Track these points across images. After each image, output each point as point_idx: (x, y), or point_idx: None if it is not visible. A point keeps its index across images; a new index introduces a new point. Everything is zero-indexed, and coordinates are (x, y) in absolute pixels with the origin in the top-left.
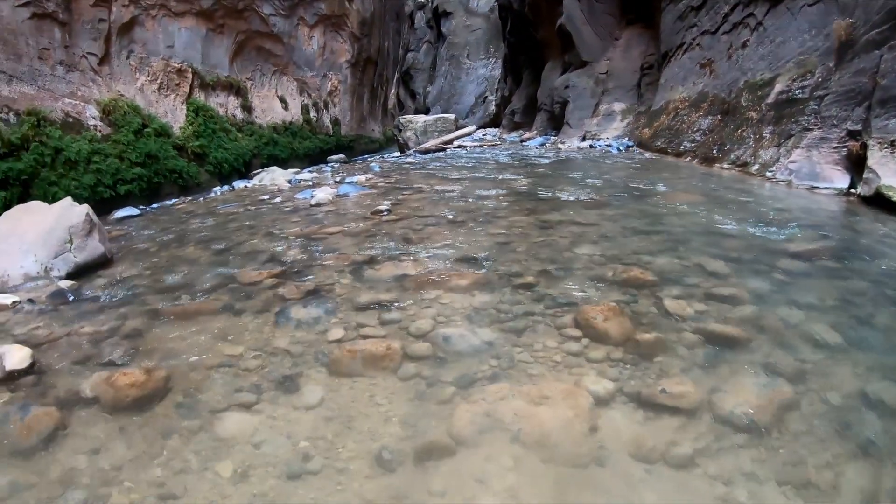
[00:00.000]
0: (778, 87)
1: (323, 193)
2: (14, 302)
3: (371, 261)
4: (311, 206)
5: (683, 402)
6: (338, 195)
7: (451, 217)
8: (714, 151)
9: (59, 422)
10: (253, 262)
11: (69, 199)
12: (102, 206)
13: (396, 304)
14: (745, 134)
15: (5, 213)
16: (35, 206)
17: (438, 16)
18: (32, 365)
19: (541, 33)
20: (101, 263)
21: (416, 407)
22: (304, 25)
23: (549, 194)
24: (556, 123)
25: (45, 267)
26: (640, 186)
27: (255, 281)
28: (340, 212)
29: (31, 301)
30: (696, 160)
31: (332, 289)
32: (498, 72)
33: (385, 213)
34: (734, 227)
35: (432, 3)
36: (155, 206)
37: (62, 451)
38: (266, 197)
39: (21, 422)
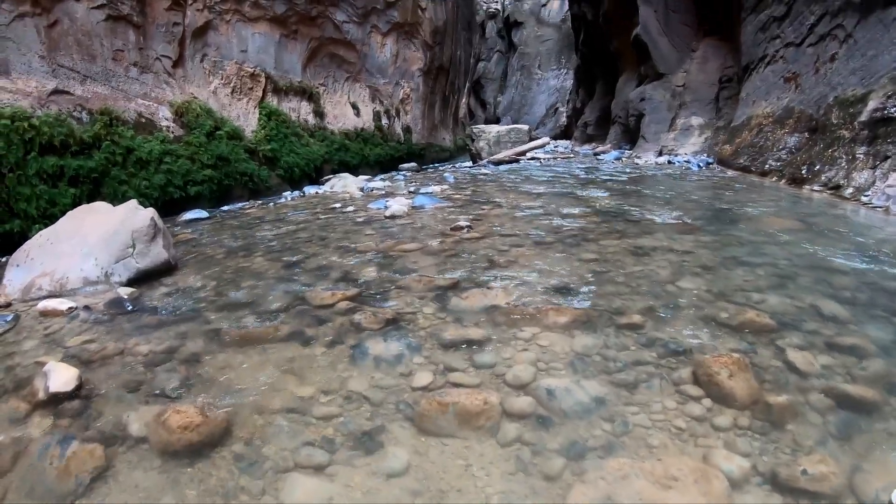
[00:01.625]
0: (872, 104)
1: (398, 205)
2: (70, 308)
3: (455, 286)
4: (386, 217)
5: (825, 486)
6: (413, 207)
7: (536, 237)
8: (803, 172)
9: (103, 463)
10: (324, 280)
11: (134, 201)
12: (172, 207)
13: (489, 344)
14: (836, 154)
15: (69, 213)
16: (99, 206)
17: (510, 25)
18: (79, 388)
19: (615, 44)
20: (164, 270)
21: (520, 483)
22: (377, 33)
23: (637, 215)
24: (631, 137)
25: (106, 272)
26: (730, 209)
27: (327, 304)
28: (417, 226)
29: (87, 308)
30: (782, 180)
31: (415, 319)
32: (569, 83)
33: (465, 229)
34: (839, 260)
35: (504, 12)
36: (225, 208)
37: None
38: (338, 205)
39: (61, 460)
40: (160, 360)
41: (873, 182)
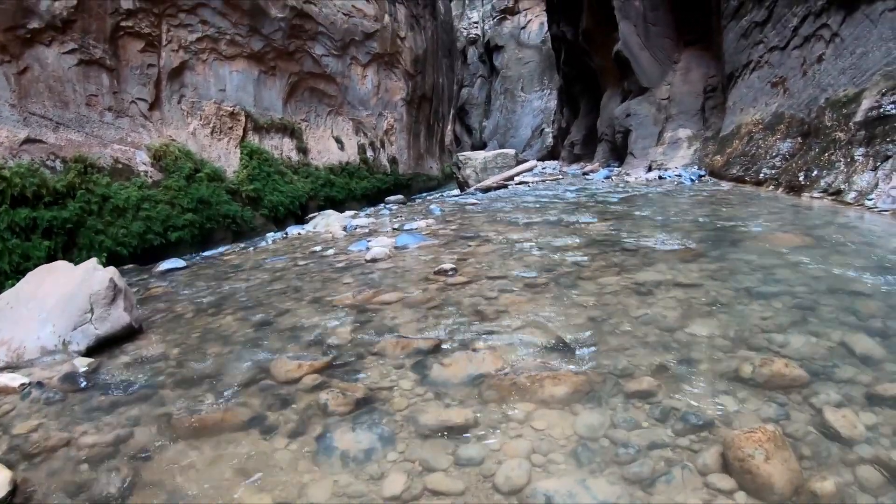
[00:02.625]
0: (866, 103)
1: (379, 247)
2: (22, 385)
3: (437, 349)
4: (366, 261)
5: None
6: (396, 247)
7: (528, 278)
8: (800, 178)
9: None
10: (294, 344)
11: (93, 260)
12: (152, 254)
13: (475, 429)
14: (833, 158)
15: (29, 274)
16: (60, 266)
17: (490, 50)
18: (13, 493)
19: (596, 61)
20: (126, 335)
21: None
22: (357, 65)
23: (635, 242)
24: (619, 154)
25: (64, 340)
26: (731, 226)
27: (293, 378)
28: (398, 270)
29: (39, 385)
30: (779, 189)
31: (390, 397)
32: (553, 103)
33: (450, 272)
34: (859, 279)
35: (484, 37)
36: (206, 253)
37: None
38: (318, 248)
39: None
40: (105, 454)
41: (876, 184)
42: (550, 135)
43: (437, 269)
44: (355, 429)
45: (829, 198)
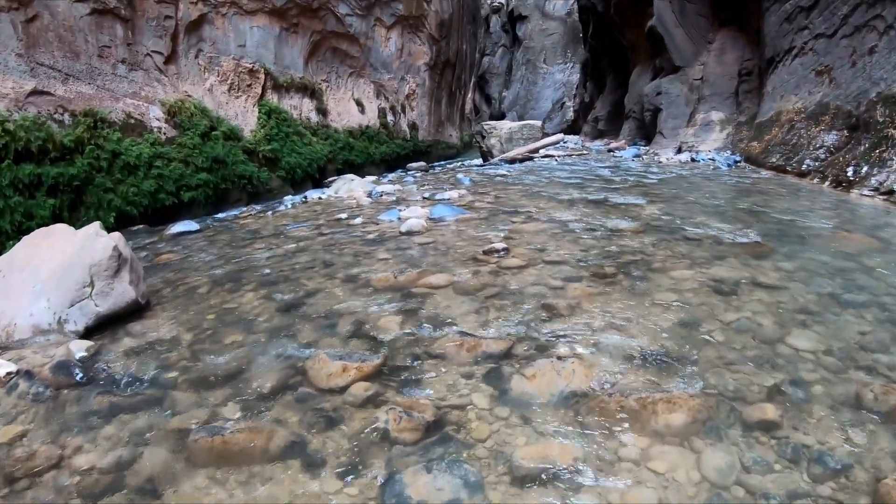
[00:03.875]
0: None
1: (414, 217)
2: (8, 374)
3: (511, 353)
4: (401, 234)
5: None
6: (431, 219)
7: (592, 266)
8: (849, 174)
9: None
10: (331, 336)
11: (96, 224)
12: (164, 215)
13: (582, 472)
14: (885, 156)
15: (25, 238)
16: (58, 230)
17: (514, 19)
18: None
19: (627, 36)
20: (131, 312)
21: None
22: (381, 26)
23: (694, 230)
24: (646, 132)
25: (59, 317)
26: (789, 220)
27: (337, 386)
28: (440, 246)
29: (28, 375)
30: (825, 182)
31: (465, 420)
32: (576, 77)
33: (502, 253)
34: None
35: (508, 6)
36: (221, 215)
37: None
38: (343, 216)
39: None
40: (103, 484)
41: None
42: (571, 109)
43: (486, 247)
44: (431, 469)
45: (881, 197)
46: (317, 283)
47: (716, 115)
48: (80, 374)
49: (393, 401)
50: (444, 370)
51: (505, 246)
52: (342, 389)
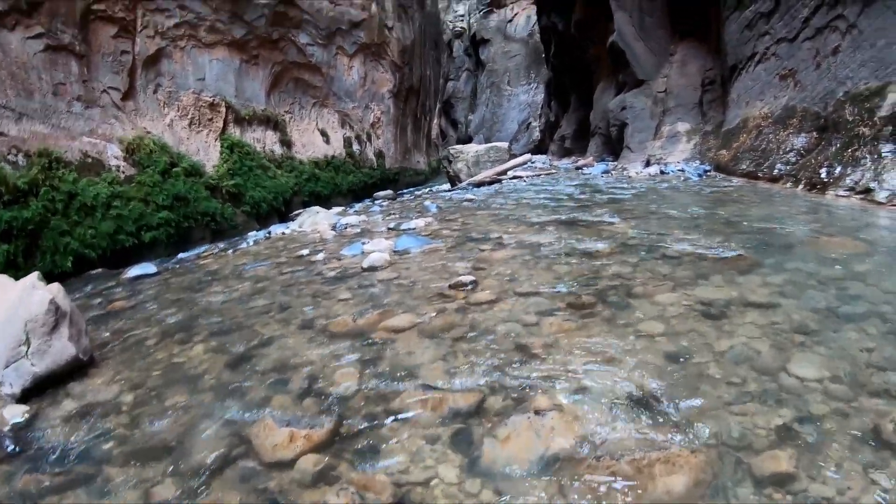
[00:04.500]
0: (892, 97)
1: (377, 251)
2: None
3: (481, 408)
4: (364, 269)
5: None
6: (396, 251)
7: (568, 295)
8: (822, 175)
9: None
10: (283, 393)
11: (34, 276)
12: (124, 257)
13: None
14: (858, 154)
15: None
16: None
17: (476, 43)
18: None
19: (589, 53)
20: (73, 370)
21: None
22: (343, 55)
23: (674, 247)
24: (614, 148)
25: None
26: (768, 228)
27: (284, 459)
28: (404, 281)
29: None
30: (798, 186)
31: (430, 501)
32: (540, 97)
33: (470, 286)
34: None
35: (470, 30)
36: (183, 255)
37: None
38: (305, 252)
39: None
40: None
41: None
42: (538, 129)
43: (452, 281)
44: None
45: (857, 196)
46: (271, 331)
47: (682, 126)
48: (12, 446)
49: (347, 478)
50: (405, 434)
51: (473, 278)
52: (290, 463)
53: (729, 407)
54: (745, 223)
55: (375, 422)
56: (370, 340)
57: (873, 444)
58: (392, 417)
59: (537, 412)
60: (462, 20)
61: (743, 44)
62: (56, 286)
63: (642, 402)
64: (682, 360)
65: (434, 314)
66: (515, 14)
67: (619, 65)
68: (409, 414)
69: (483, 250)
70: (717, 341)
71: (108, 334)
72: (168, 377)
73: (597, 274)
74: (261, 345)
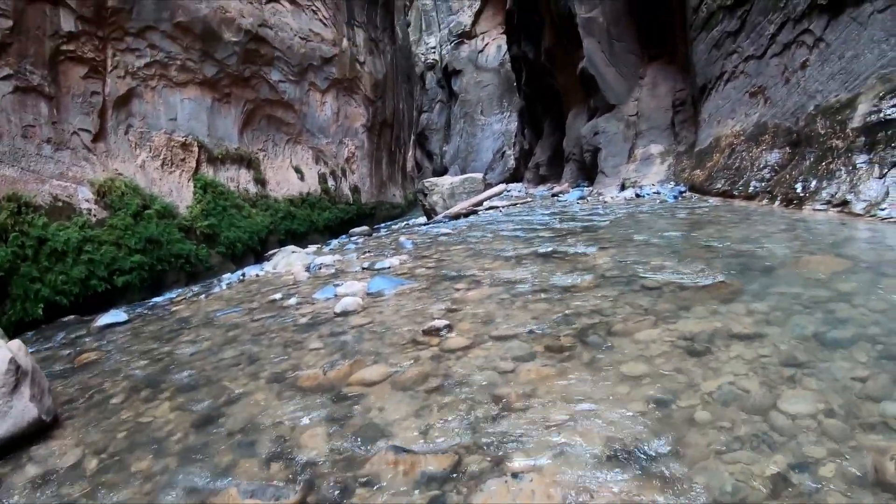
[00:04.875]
0: (863, 107)
1: (350, 295)
2: None
3: (456, 470)
4: (336, 314)
5: None
6: (369, 293)
7: (545, 336)
8: (798, 190)
9: None
10: (249, 458)
11: None
12: (97, 302)
13: None
14: (832, 167)
15: None
16: None
17: (449, 74)
18: None
19: (560, 80)
20: (36, 432)
21: None
22: (315, 91)
23: (653, 277)
24: (588, 173)
25: None
26: (748, 249)
27: None
28: (377, 327)
29: None
30: (775, 202)
31: None
32: (514, 125)
33: (444, 331)
34: None
35: (442, 62)
36: (157, 299)
37: None
38: (278, 296)
39: None
40: None
41: (886, 193)
42: (512, 157)
43: (426, 326)
44: None
45: (835, 209)
46: (240, 386)
47: (655, 148)
48: None
49: None
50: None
51: (447, 323)
52: None
53: (720, 456)
54: (723, 246)
55: (345, 491)
56: (341, 395)
57: (874, 487)
58: (362, 485)
59: (514, 475)
60: (434, 52)
61: (711, 63)
62: (17, 343)
63: (627, 457)
64: (667, 405)
65: (407, 364)
66: (486, 44)
67: (590, 90)
68: (381, 482)
69: (458, 289)
70: (703, 381)
71: (74, 389)
72: (133, 439)
73: (575, 311)
74: (228, 402)
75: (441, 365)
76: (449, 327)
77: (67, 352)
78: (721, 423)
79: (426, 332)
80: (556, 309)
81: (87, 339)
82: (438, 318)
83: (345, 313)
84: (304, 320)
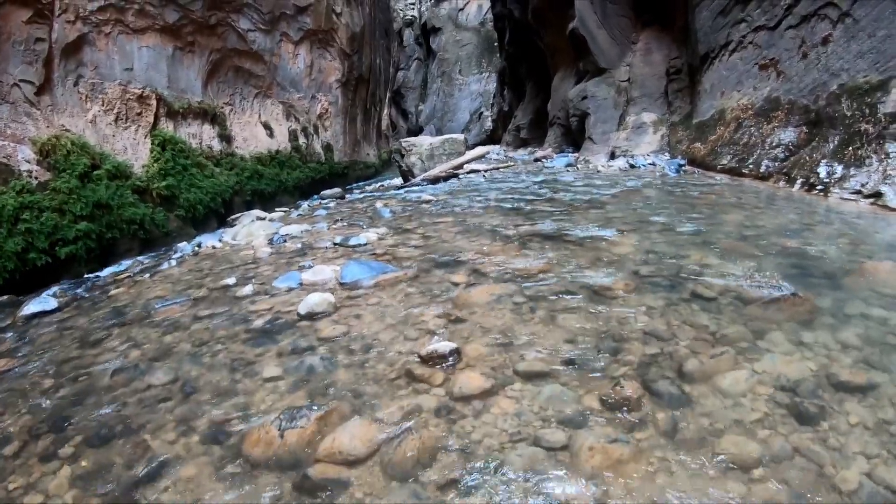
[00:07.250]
0: None
1: (318, 287)
2: None
3: None
4: (300, 316)
5: None
6: (343, 284)
7: (593, 376)
8: (822, 175)
9: None
10: None
11: None
12: (37, 277)
13: None
14: (861, 153)
15: None
16: None
17: (427, 32)
18: None
19: (547, 41)
20: None
21: None
22: (287, 42)
23: (702, 280)
24: (574, 139)
25: None
26: (795, 247)
27: None
28: (354, 345)
29: None
30: (795, 186)
31: None
32: (493, 86)
33: (449, 357)
34: None
35: (421, 19)
36: (106, 271)
37: None
38: (232, 281)
39: None
40: None
41: None
42: (490, 118)
43: (424, 349)
44: None
45: (866, 201)
46: (164, 444)
47: (647, 117)
48: None
49: None
50: None
51: (453, 346)
52: None
53: None
54: (762, 239)
55: None
56: (307, 481)
57: None
58: None
59: None
60: (413, 8)
61: (716, 31)
62: None
63: None
64: None
65: (403, 420)
66: (467, 2)
67: (580, 52)
68: None
69: (456, 285)
70: (835, 471)
71: None
72: None
73: (621, 330)
74: (147, 476)
75: (454, 428)
76: (456, 353)
77: None
78: None
79: (424, 360)
80: (593, 324)
81: (6, 335)
82: (438, 334)
83: (311, 316)
84: (259, 323)
